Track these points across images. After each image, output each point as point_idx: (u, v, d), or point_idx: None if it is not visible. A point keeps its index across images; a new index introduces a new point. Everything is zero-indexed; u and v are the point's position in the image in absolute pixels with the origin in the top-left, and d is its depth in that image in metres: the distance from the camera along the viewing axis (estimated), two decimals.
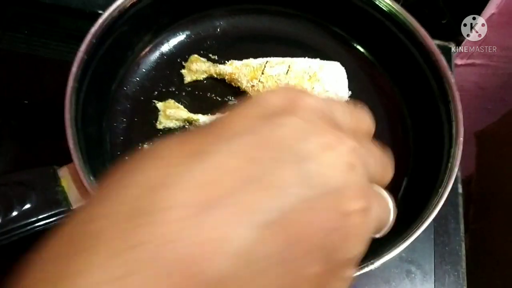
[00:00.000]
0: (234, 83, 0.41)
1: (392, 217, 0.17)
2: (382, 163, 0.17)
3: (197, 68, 0.41)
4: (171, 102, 0.40)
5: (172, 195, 0.12)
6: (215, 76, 0.41)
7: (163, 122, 0.39)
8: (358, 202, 0.14)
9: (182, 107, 0.39)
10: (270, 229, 0.12)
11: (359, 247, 0.14)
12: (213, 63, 0.42)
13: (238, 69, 0.40)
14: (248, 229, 0.12)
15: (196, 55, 0.42)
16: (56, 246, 0.12)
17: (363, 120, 0.18)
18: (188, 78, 0.41)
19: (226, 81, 0.41)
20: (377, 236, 0.17)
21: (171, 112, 0.39)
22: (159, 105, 0.39)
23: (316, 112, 0.15)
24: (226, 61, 0.41)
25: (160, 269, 0.11)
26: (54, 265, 0.12)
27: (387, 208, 0.17)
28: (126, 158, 0.14)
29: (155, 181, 0.13)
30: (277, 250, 0.13)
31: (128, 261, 0.11)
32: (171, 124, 0.39)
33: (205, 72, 0.41)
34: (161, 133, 0.39)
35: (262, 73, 0.39)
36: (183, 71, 0.41)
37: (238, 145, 0.13)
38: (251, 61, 0.40)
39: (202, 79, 0.41)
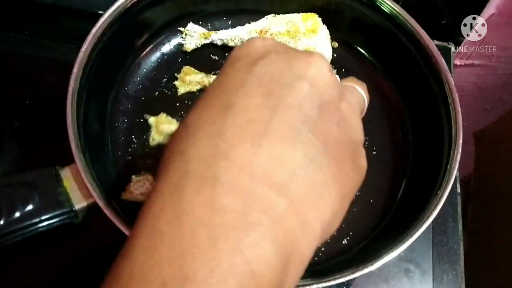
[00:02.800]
0: None
1: (366, 101, 0.24)
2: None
3: (191, 80, 0.41)
4: (163, 116, 0.39)
5: (230, 137, 0.16)
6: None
7: (156, 139, 0.38)
8: (343, 96, 0.20)
9: (174, 121, 0.39)
10: (308, 136, 0.17)
11: (358, 126, 0.20)
12: (206, 74, 0.41)
13: None
14: (296, 143, 0.16)
15: (188, 67, 0.42)
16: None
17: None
18: (181, 90, 0.41)
19: None
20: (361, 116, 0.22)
21: (164, 127, 0.38)
22: (151, 120, 0.39)
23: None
24: None
25: (246, 185, 0.15)
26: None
27: (361, 96, 0.23)
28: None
29: (211, 134, 0.16)
30: (319, 147, 0.17)
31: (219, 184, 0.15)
32: (162, 139, 0.38)
33: (199, 83, 0.41)
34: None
35: None
36: (176, 82, 0.41)
37: (250, 89, 0.17)
38: None
39: (195, 90, 0.41)
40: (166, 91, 0.41)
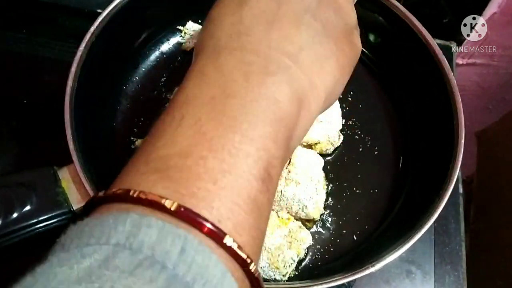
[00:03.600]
0: None
1: None
2: None
3: None
4: None
5: (248, 22, 0.20)
6: None
7: None
8: None
9: None
10: (310, 21, 0.21)
11: (352, 11, 0.24)
12: None
13: None
14: (300, 25, 0.21)
15: None
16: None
17: None
18: None
19: None
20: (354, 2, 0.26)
21: None
22: (138, 143, 0.37)
23: None
24: None
25: (265, 51, 0.20)
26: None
27: None
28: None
29: (233, 21, 0.21)
30: (319, 29, 0.21)
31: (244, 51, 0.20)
32: None
33: None
34: None
35: None
36: None
37: None
38: None
39: None
40: (165, 91, 0.41)
